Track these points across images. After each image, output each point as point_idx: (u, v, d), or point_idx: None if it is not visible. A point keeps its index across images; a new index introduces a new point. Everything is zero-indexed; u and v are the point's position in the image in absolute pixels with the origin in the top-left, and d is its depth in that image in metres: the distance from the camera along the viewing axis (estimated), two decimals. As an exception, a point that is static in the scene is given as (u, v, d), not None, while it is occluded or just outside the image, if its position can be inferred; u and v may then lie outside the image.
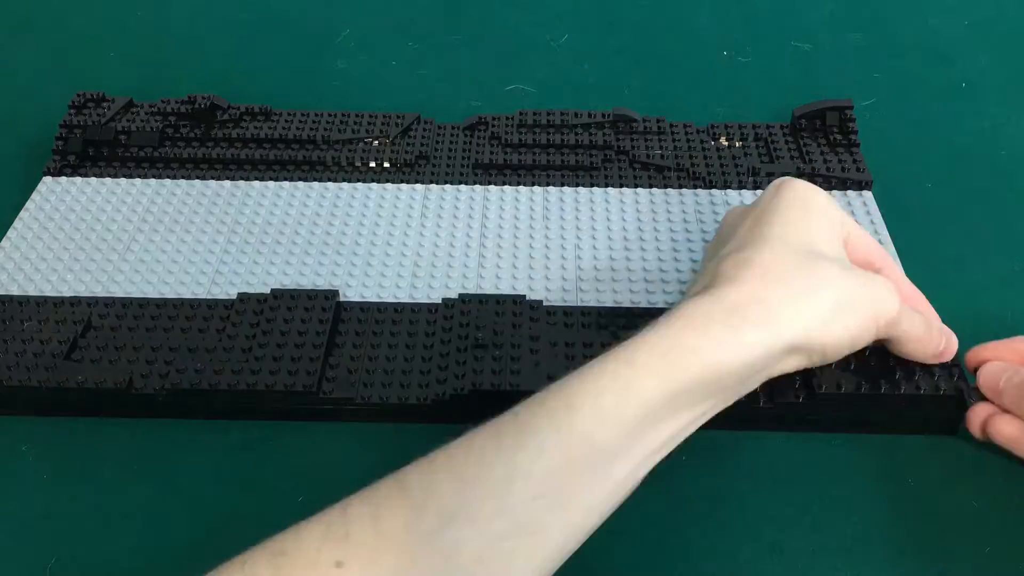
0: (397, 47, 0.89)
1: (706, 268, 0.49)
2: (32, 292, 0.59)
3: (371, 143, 0.71)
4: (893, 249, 0.62)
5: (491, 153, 0.70)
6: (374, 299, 0.59)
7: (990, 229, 0.68)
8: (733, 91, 0.84)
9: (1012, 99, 0.82)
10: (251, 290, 0.59)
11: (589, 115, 0.73)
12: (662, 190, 0.68)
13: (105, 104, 0.73)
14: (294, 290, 0.58)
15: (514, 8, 0.95)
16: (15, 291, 0.59)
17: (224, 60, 0.88)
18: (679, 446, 0.45)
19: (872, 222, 0.64)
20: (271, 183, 0.68)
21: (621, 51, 0.89)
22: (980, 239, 0.67)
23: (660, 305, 0.58)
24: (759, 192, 0.67)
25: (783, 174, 0.67)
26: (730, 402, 0.46)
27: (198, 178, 0.69)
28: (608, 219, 0.65)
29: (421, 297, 0.59)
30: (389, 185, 0.68)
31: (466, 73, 0.86)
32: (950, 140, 0.76)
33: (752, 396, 0.49)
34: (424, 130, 0.73)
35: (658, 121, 0.73)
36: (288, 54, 0.89)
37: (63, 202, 0.66)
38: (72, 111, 0.72)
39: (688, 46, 0.90)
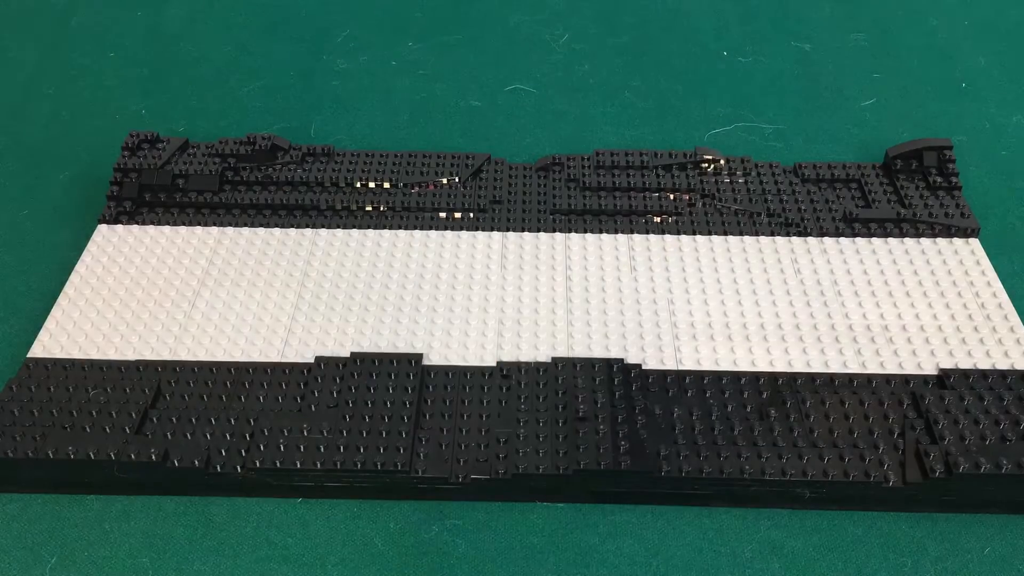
0: (397, 47, 0.88)
1: None
2: (95, 355, 0.55)
3: (442, 184, 0.67)
4: (1007, 299, 0.59)
5: (569, 197, 0.67)
6: (459, 362, 0.55)
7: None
8: (733, 91, 0.82)
9: (1012, 99, 0.80)
10: (327, 352, 0.56)
11: (670, 155, 0.69)
12: (754, 237, 0.64)
13: (160, 145, 0.69)
14: (376, 354, 0.55)
15: (514, 8, 0.93)
16: (76, 354, 0.55)
17: (224, 61, 0.86)
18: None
19: (983, 272, 0.60)
20: (339, 231, 0.64)
21: (621, 51, 0.87)
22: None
23: (764, 369, 0.55)
24: (857, 240, 0.63)
25: (883, 220, 0.64)
26: None
27: (261, 225, 0.65)
28: (700, 270, 0.61)
29: (509, 359, 0.55)
30: (464, 233, 0.64)
31: (466, 73, 0.85)
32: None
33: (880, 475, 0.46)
34: (496, 171, 0.69)
35: (743, 161, 0.69)
36: (288, 54, 0.87)
37: (121, 253, 0.63)
38: (126, 153, 0.68)
39: (688, 46, 0.88)
